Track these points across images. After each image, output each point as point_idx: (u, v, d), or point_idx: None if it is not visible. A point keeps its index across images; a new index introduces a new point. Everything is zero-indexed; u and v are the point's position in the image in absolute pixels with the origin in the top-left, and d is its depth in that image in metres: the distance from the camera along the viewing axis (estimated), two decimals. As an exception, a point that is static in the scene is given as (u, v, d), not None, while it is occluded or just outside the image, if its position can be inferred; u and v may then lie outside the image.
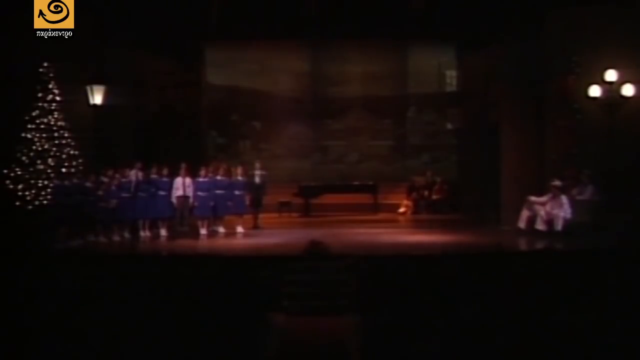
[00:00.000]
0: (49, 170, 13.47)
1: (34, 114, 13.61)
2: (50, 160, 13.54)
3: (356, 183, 17.93)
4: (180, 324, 7.42)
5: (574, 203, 13.01)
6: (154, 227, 13.79)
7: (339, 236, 13.03)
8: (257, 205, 14.83)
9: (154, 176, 13.57)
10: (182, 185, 13.58)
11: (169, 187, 13.56)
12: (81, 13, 12.17)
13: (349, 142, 19.92)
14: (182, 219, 13.87)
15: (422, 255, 10.84)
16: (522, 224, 13.47)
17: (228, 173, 14.40)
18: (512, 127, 14.60)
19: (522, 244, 12.59)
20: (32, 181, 13.39)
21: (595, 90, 13.26)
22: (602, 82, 13.20)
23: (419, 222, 16.93)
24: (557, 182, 13.19)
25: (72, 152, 13.83)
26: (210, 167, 14.35)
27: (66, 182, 12.90)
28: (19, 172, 13.40)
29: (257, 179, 14.71)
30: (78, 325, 7.50)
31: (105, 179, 13.12)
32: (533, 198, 13.41)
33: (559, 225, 12.86)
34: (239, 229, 14.18)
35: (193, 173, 13.83)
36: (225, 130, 19.78)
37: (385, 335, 7.19)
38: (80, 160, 13.84)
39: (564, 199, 12.99)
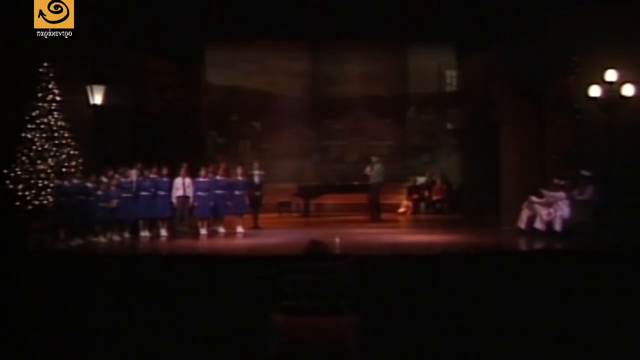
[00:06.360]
0: (49, 170, 13.47)
1: (34, 114, 13.60)
2: (50, 160, 13.53)
3: (356, 183, 17.93)
4: (180, 324, 7.43)
5: (574, 203, 13.02)
6: (154, 227, 13.79)
7: (339, 236, 13.01)
8: (257, 205, 14.84)
9: (152, 176, 13.57)
10: (182, 185, 13.57)
11: (169, 187, 13.56)
12: (81, 13, 12.17)
13: (349, 142, 19.94)
14: (182, 219, 13.86)
15: (422, 255, 10.84)
16: (522, 224, 13.48)
17: (228, 173, 14.41)
18: (512, 127, 14.60)
19: (522, 244, 12.59)
20: (32, 181, 13.38)
21: (595, 90, 13.26)
22: (602, 82, 13.19)
23: (419, 222, 16.94)
24: (561, 181, 13.22)
25: (72, 152, 13.81)
26: (210, 167, 14.35)
27: (66, 182, 12.88)
28: (19, 172, 13.40)
29: (256, 179, 14.72)
30: (78, 325, 7.51)
31: (105, 179, 13.11)
32: (534, 198, 13.42)
33: (557, 226, 12.86)
34: (239, 229, 14.18)
35: (193, 173, 13.83)
36: (225, 130, 19.79)
37: (385, 335, 7.19)
38: (80, 160, 13.82)
39: (560, 196, 13.01)
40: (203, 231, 13.86)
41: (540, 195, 13.35)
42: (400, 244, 12.62)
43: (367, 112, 19.86)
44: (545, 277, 9.29)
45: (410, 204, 18.37)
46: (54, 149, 13.62)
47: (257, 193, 14.71)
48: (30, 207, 13.30)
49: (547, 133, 14.20)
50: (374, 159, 16.61)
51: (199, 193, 13.72)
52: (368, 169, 16.39)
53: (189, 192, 13.63)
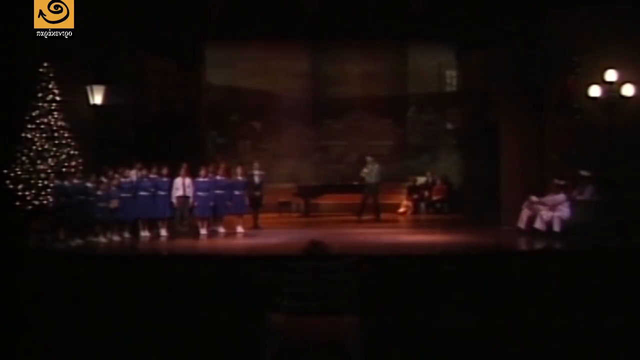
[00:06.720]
0: (49, 170, 13.48)
1: (34, 114, 13.62)
2: (50, 160, 13.54)
3: (356, 183, 17.93)
4: (180, 324, 7.43)
5: (574, 203, 13.02)
6: (154, 227, 13.79)
7: (339, 236, 13.02)
8: (257, 205, 14.84)
9: (152, 176, 13.57)
10: (182, 185, 13.58)
11: (169, 187, 13.57)
12: (81, 13, 12.17)
13: (349, 142, 19.93)
14: (182, 219, 13.87)
15: (422, 255, 10.84)
16: (522, 224, 13.48)
17: (228, 173, 14.42)
18: (512, 127, 14.61)
19: (522, 244, 12.59)
20: (32, 181, 13.39)
21: (595, 90, 13.27)
22: (602, 82, 13.20)
23: (419, 222, 16.94)
24: (561, 182, 13.22)
25: (72, 152, 13.83)
26: (210, 167, 14.36)
27: (66, 182, 12.89)
28: (19, 172, 13.40)
29: (256, 179, 14.73)
30: (78, 325, 7.50)
31: (105, 179, 13.12)
32: (534, 198, 13.42)
33: (556, 226, 12.86)
34: (239, 229, 14.18)
35: (193, 173, 13.84)
36: (225, 130, 19.79)
37: (385, 335, 7.20)
38: (80, 160, 13.84)
39: (561, 199, 13.00)
40: (203, 231, 13.86)
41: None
42: (400, 244, 12.63)
43: (367, 112, 19.85)
44: (545, 277, 9.29)
45: (410, 204, 18.38)
46: (54, 149, 13.64)
47: (257, 193, 14.72)
48: (30, 207, 13.32)
49: (547, 133, 14.22)
50: (369, 158, 16.60)
51: (199, 193, 13.72)
52: (365, 170, 16.38)
53: (189, 192, 13.63)
